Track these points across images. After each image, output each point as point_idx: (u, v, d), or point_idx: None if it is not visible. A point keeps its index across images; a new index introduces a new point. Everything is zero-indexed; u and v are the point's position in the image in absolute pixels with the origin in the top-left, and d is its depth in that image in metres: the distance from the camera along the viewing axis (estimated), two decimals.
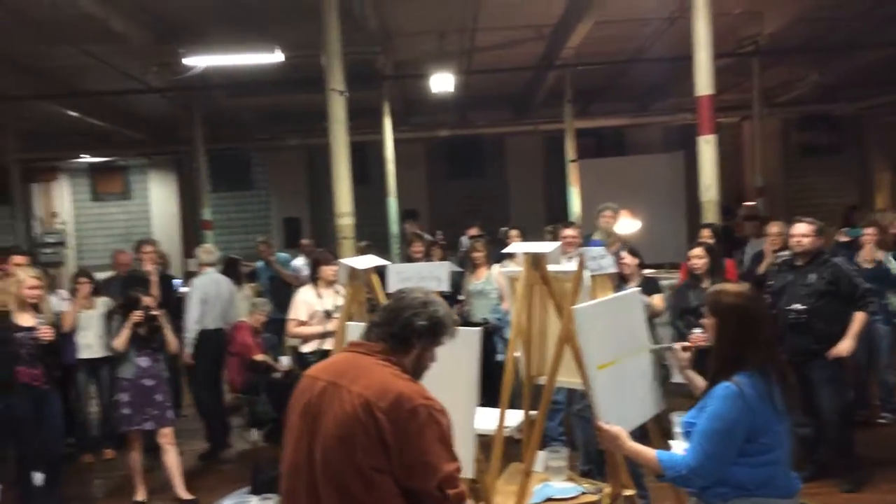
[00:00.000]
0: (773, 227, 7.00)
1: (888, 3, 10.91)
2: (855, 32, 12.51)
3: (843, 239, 6.89)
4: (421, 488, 2.20)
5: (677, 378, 5.72)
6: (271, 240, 9.27)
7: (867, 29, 12.38)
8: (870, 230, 6.55)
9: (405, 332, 2.34)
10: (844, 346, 5.03)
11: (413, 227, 10.37)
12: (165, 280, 7.17)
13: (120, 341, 5.57)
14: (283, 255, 9.60)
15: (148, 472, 5.99)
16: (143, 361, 5.62)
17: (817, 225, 5.29)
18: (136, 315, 5.55)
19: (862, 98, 16.79)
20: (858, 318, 5.10)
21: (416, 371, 2.38)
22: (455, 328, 2.47)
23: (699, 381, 3.04)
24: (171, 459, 5.71)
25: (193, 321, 6.74)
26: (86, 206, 19.57)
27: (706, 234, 6.88)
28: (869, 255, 6.43)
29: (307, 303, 5.92)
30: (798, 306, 5.11)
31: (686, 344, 3.29)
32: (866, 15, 11.38)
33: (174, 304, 6.96)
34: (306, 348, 5.94)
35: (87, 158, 18.46)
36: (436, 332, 2.38)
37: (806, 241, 5.24)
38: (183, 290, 7.60)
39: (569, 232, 6.52)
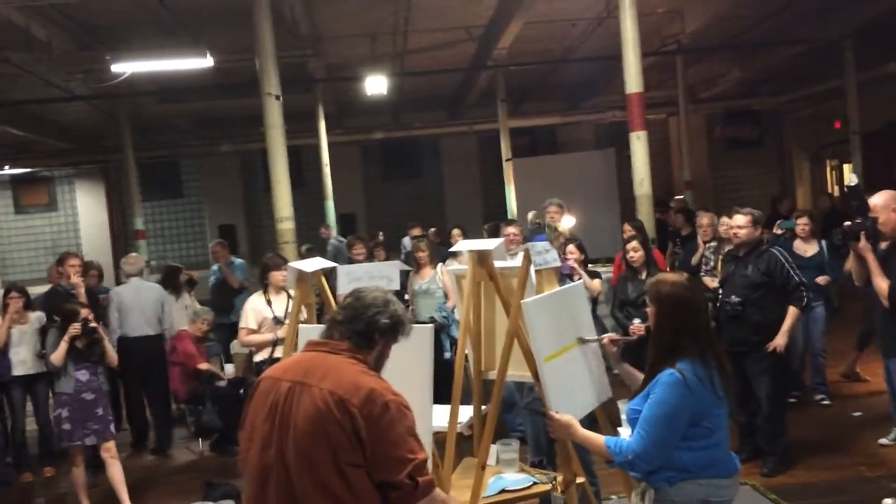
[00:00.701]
0: (703, 219, 7.26)
1: (803, 1, 11.41)
2: (772, 30, 13.02)
3: (778, 232, 7.02)
4: (393, 480, 2.25)
5: (616, 370, 5.93)
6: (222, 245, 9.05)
7: (784, 26, 12.90)
8: (802, 220, 6.70)
9: (369, 330, 2.40)
10: (778, 342, 5.13)
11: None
12: (92, 294, 6.98)
13: (57, 355, 5.42)
14: (240, 260, 9.45)
15: (91, 488, 5.85)
16: (83, 375, 5.48)
17: (753, 215, 5.32)
18: (74, 328, 5.42)
19: (781, 93, 17.48)
20: (791, 314, 5.14)
21: (377, 368, 2.44)
22: (411, 326, 2.53)
23: (634, 373, 3.15)
24: (116, 473, 5.58)
25: (112, 329, 6.90)
26: (8, 219, 18.88)
27: (627, 229, 7.09)
28: (805, 245, 6.61)
29: (256, 310, 5.87)
30: (734, 298, 5.18)
31: (614, 336, 3.34)
32: (782, 12, 11.86)
33: (100, 317, 6.81)
34: (259, 357, 5.90)
35: (8, 170, 17.80)
36: (397, 329, 2.45)
37: (742, 232, 5.29)
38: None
39: (510, 229, 6.63)
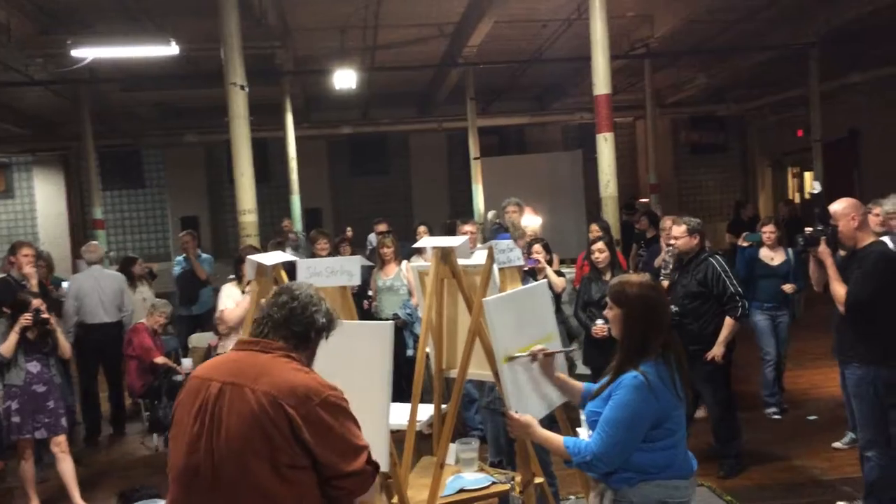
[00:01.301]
0: (666, 222, 7.29)
1: (769, 9, 11.57)
2: (739, 36, 13.20)
3: (744, 244, 6.86)
4: (347, 470, 2.23)
5: (582, 369, 5.94)
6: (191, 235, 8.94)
7: (750, 34, 13.09)
8: (769, 228, 6.59)
9: (307, 330, 2.36)
10: (715, 352, 5.16)
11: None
12: (42, 285, 6.80)
13: (7, 346, 5.25)
14: (207, 255, 9.32)
15: (41, 483, 5.70)
16: (34, 367, 5.33)
17: (689, 225, 5.33)
18: (25, 318, 5.27)
19: (746, 99, 17.74)
20: (727, 325, 5.14)
21: (310, 363, 2.41)
22: (339, 322, 2.50)
23: (569, 383, 3.17)
24: (67, 468, 5.43)
25: (69, 315, 7.02)
26: None
27: (594, 230, 7.11)
28: (772, 252, 6.52)
29: (233, 297, 5.75)
30: (673, 307, 5.11)
31: (547, 350, 3.22)
32: (748, 20, 12.02)
33: (55, 308, 6.66)
34: (220, 351, 5.78)
35: None
36: (331, 326, 2.43)
37: (679, 242, 5.35)
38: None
39: (467, 227, 6.58)
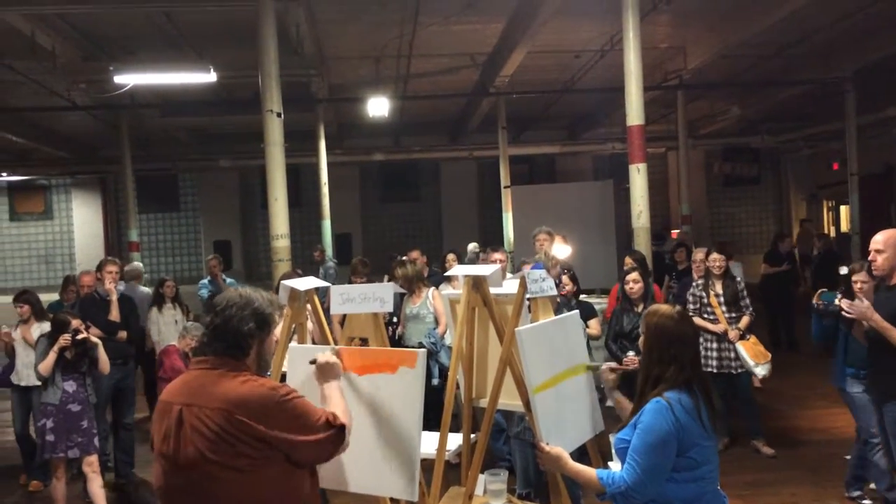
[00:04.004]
0: (698, 255, 7.25)
1: (803, 43, 11.52)
2: (774, 69, 13.14)
3: (819, 304, 5.16)
4: (314, 441, 2.35)
5: (610, 402, 5.87)
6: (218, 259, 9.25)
7: (785, 66, 13.03)
8: (860, 277, 4.77)
9: (238, 341, 2.42)
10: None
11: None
12: (128, 300, 6.93)
13: (45, 365, 5.34)
14: (231, 280, 9.45)
15: (72, 501, 5.74)
16: (70, 386, 5.40)
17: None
18: (64, 338, 5.35)
19: (780, 132, 17.60)
20: None
21: (262, 363, 2.50)
22: (279, 305, 2.60)
23: (626, 404, 3.10)
24: (96, 488, 5.47)
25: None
26: (3, 226, 18.83)
27: (628, 262, 7.04)
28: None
29: None
30: None
31: (613, 365, 3.33)
32: (783, 53, 11.97)
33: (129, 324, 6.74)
34: None
35: (6, 177, 17.77)
36: (265, 325, 2.48)
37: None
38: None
39: (497, 256, 6.56)
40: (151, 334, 8.09)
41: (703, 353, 6.19)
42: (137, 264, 9.21)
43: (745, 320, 6.25)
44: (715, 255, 6.53)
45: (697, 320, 6.30)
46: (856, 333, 4.42)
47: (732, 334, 6.16)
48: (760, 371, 6.17)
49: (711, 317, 6.30)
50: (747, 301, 6.35)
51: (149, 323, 8.09)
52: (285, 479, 2.35)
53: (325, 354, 2.80)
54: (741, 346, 6.15)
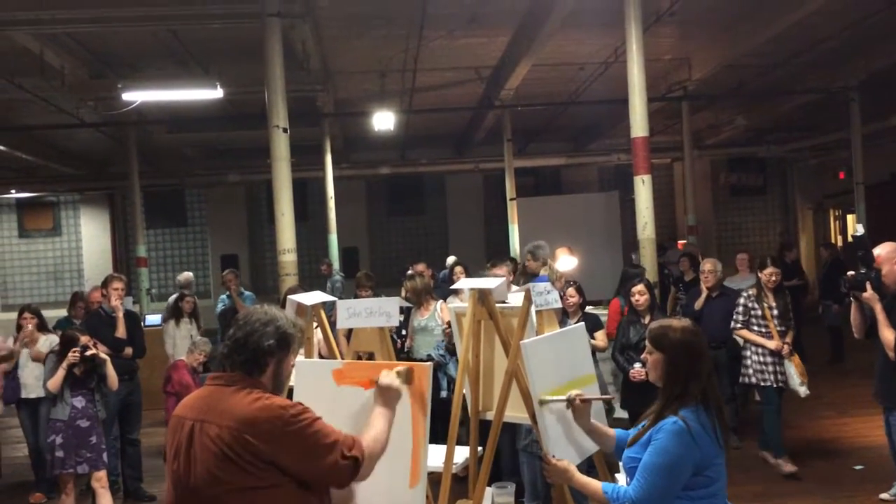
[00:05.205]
0: (706, 265, 7.22)
1: (808, 53, 11.54)
2: (778, 79, 13.15)
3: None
4: (324, 468, 2.30)
5: (620, 413, 5.86)
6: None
7: (790, 76, 13.03)
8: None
9: (256, 356, 2.40)
10: None
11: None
12: (134, 317, 6.95)
13: (54, 381, 5.38)
14: (250, 293, 9.49)
15: None
16: (78, 402, 5.44)
17: None
18: (73, 355, 5.39)
19: (786, 141, 17.59)
20: None
21: (278, 384, 2.46)
22: (302, 335, 2.54)
23: (602, 430, 3.06)
24: None
25: None
26: (12, 242, 18.93)
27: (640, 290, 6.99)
28: None
29: None
30: None
31: (578, 393, 3.07)
32: (787, 63, 11.98)
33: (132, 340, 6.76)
34: None
35: (14, 194, 17.89)
36: (285, 344, 2.46)
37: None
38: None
39: (497, 270, 6.52)
40: (166, 347, 8.12)
41: (756, 366, 6.13)
42: (188, 274, 9.97)
43: (790, 335, 6.17)
44: (771, 269, 6.22)
45: (747, 333, 6.22)
46: (855, 328, 4.41)
47: (786, 350, 6.05)
48: (804, 390, 6.09)
49: (764, 329, 6.16)
50: (791, 314, 6.28)
51: (165, 336, 8.12)
52: (296, 501, 2.31)
53: (390, 375, 2.72)
54: (791, 365, 6.06)
